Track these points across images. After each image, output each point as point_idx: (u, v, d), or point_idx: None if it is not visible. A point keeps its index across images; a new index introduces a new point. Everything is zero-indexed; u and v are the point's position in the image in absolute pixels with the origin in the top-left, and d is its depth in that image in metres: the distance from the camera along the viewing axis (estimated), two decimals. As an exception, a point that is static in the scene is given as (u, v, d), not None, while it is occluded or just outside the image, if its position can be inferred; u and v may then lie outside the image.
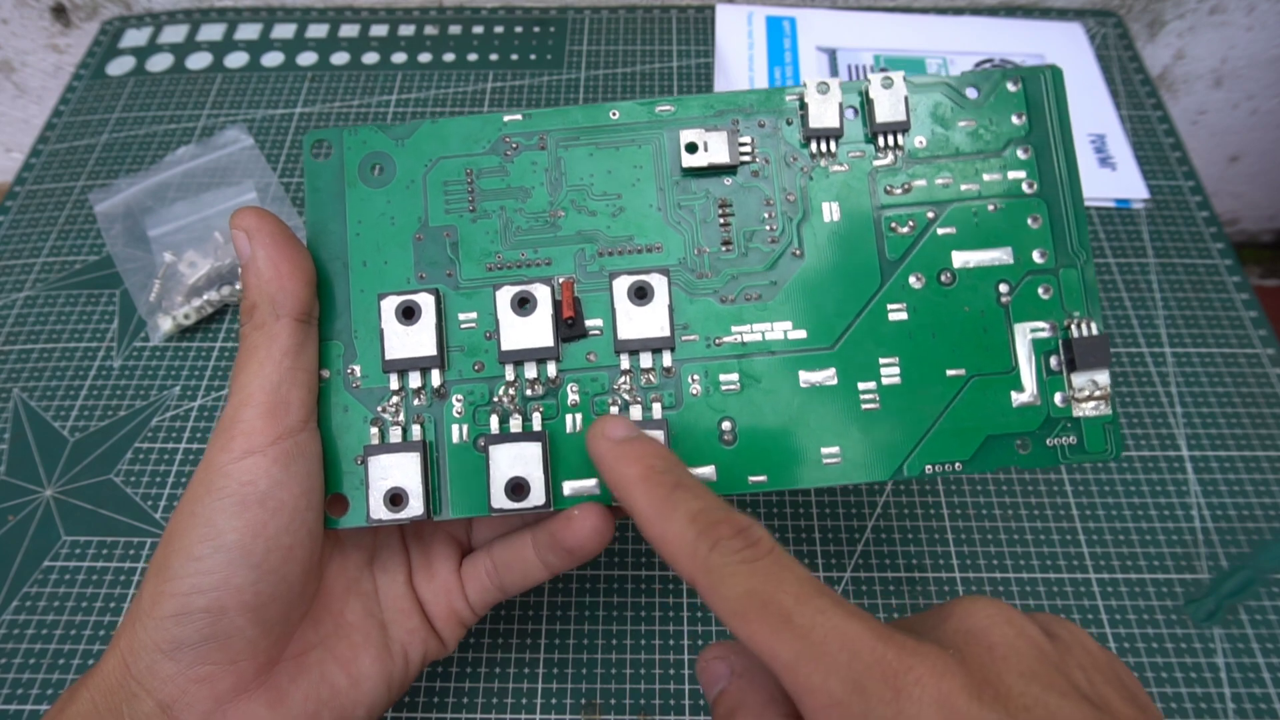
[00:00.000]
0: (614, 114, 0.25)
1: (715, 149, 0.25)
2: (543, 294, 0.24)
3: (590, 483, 0.24)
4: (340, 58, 0.52)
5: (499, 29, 0.54)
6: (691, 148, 0.25)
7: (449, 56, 0.52)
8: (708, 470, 0.24)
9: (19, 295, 0.42)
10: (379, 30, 0.54)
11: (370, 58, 0.52)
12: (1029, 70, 0.25)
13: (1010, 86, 0.25)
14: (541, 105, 0.49)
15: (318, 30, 0.54)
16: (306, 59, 0.52)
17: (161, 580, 0.21)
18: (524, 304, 0.24)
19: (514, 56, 0.52)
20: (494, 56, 0.52)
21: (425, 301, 0.24)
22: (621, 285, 0.24)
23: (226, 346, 0.40)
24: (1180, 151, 0.47)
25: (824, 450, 0.24)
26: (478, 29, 0.54)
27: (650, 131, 0.25)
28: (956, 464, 0.24)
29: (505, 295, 0.24)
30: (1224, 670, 0.31)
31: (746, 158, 0.25)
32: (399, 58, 0.52)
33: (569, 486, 0.24)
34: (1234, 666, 0.31)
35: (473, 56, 0.52)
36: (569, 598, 0.32)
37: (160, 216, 0.43)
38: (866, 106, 0.25)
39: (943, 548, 0.34)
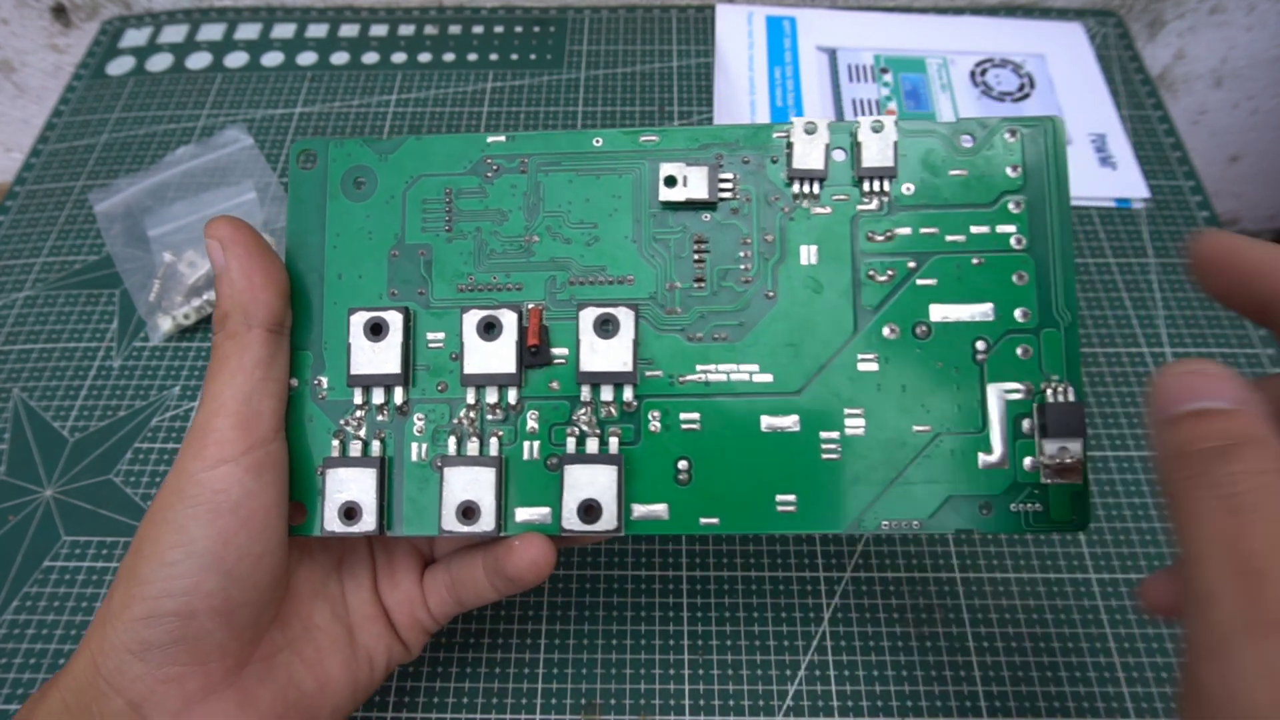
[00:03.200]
0: (597, 141, 0.25)
1: (694, 184, 0.24)
2: (509, 320, 0.24)
3: (542, 511, 0.24)
4: (340, 58, 0.52)
5: (499, 29, 0.54)
6: (670, 181, 0.24)
7: (449, 56, 0.52)
8: (660, 508, 0.24)
9: (19, 295, 0.42)
10: (379, 30, 0.54)
11: (370, 58, 0.52)
12: (1029, 120, 0.24)
13: (1008, 137, 0.24)
14: (541, 105, 0.49)
15: (318, 30, 0.54)
16: (306, 59, 0.52)
17: (132, 584, 0.21)
18: (490, 329, 0.24)
19: (514, 56, 0.52)
20: (494, 56, 0.52)
21: (393, 319, 0.24)
22: (588, 316, 0.24)
23: (226, 346, 0.39)
24: (1180, 151, 0.47)
25: (779, 497, 0.24)
26: (478, 29, 0.54)
27: (632, 161, 0.25)
28: (915, 522, 0.24)
29: (472, 319, 0.24)
30: (1224, 670, 0.31)
31: (727, 194, 0.25)
32: (399, 58, 0.52)
33: (521, 513, 0.24)
34: (1234, 666, 0.31)
35: (473, 56, 0.52)
36: (569, 598, 0.32)
37: (160, 216, 0.43)
38: (854, 149, 0.24)
39: (943, 548, 0.34)
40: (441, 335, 0.25)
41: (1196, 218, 0.44)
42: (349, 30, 0.54)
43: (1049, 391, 0.23)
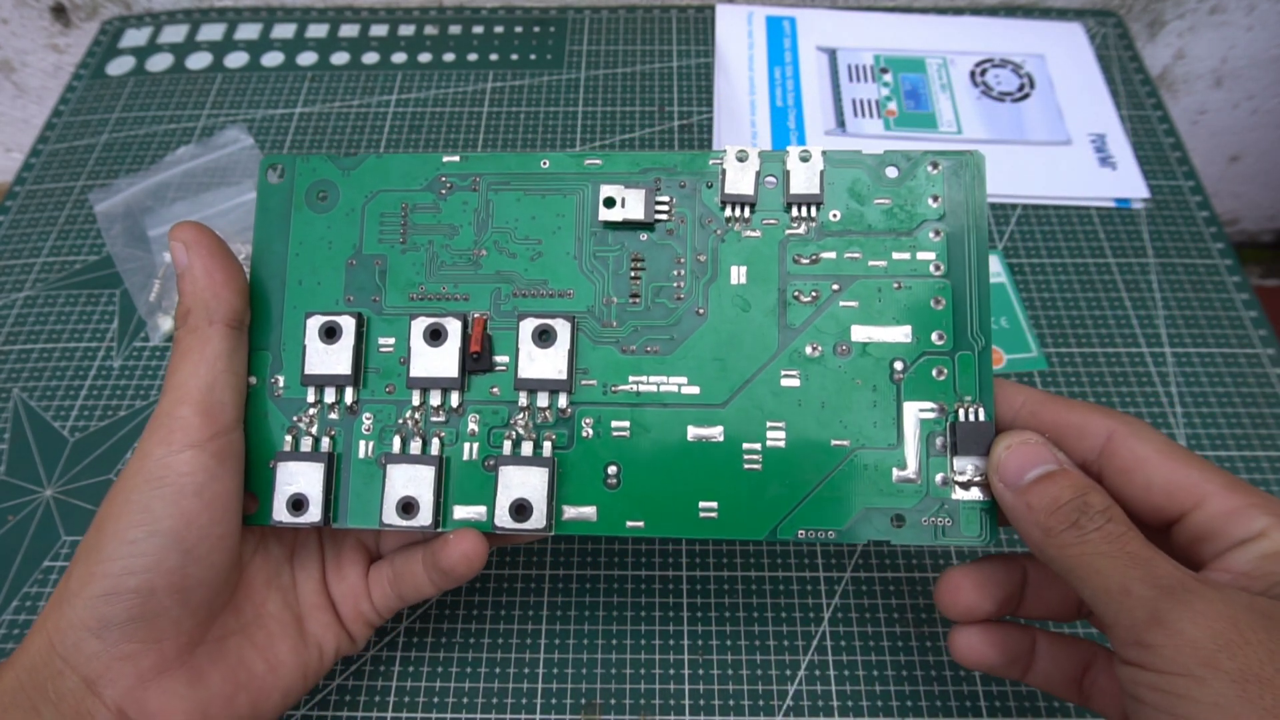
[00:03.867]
0: (545, 163, 0.26)
1: (632, 205, 0.26)
2: (454, 327, 0.25)
3: (478, 509, 0.25)
4: (340, 58, 0.52)
5: (499, 29, 0.54)
6: (609, 202, 0.26)
7: (449, 56, 0.52)
8: (589, 510, 0.25)
9: (19, 295, 0.42)
10: (379, 30, 0.54)
11: (370, 58, 0.52)
12: (950, 154, 0.25)
13: (930, 169, 0.26)
14: (541, 105, 0.49)
15: (318, 30, 0.54)
16: (306, 59, 0.52)
17: (93, 562, 0.22)
18: (435, 335, 0.25)
19: (514, 56, 0.52)
20: (494, 56, 0.52)
21: (347, 324, 0.26)
22: (527, 326, 0.25)
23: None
24: (1180, 151, 0.47)
25: (703, 504, 0.25)
26: (478, 29, 0.54)
27: (577, 182, 0.26)
28: (830, 532, 0.25)
29: (419, 325, 0.25)
30: (1224, 670, 0.31)
31: (664, 216, 0.26)
32: (399, 58, 0.52)
33: (460, 511, 0.25)
34: (1234, 666, 0.31)
35: (473, 56, 0.52)
36: (569, 598, 0.32)
37: (160, 216, 0.43)
38: (784, 177, 0.26)
39: (943, 547, 0.34)
40: (392, 340, 0.26)
41: (1196, 218, 0.44)
42: (349, 30, 0.54)
43: (961, 411, 0.25)
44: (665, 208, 0.26)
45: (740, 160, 0.26)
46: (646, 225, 0.26)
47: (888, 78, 0.50)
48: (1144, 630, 0.19)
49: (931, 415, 0.25)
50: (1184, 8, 0.60)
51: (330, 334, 0.25)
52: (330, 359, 0.25)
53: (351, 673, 0.31)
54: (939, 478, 0.24)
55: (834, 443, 0.25)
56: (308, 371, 0.25)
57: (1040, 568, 0.25)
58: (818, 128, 0.47)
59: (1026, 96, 0.49)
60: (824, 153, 0.26)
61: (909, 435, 0.25)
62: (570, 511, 0.25)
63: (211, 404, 0.23)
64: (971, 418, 0.24)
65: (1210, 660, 0.18)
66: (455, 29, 0.54)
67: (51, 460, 0.36)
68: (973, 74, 0.50)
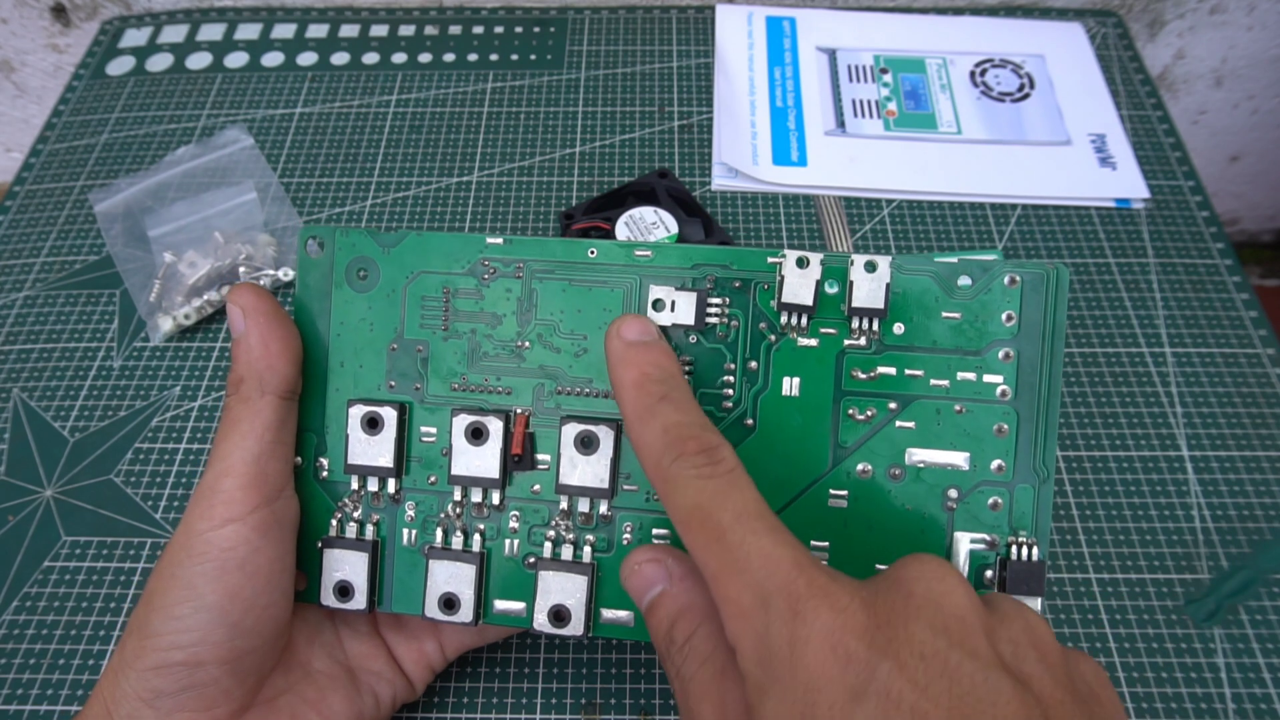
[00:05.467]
0: (592, 252, 0.25)
1: (682, 310, 0.25)
2: (495, 427, 0.25)
3: (519, 605, 0.25)
4: (340, 58, 0.52)
5: (499, 29, 0.54)
6: (658, 305, 0.25)
7: (449, 56, 0.52)
8: (626, 615, 0.25)
9: (19, 295, 0.42)
10: (379, 30, 0.54)
11: (370, 58, 0.52)
12: (1032, 268, 0.23)
13: (1007, 282, 0.24)
14: (541, 105, 0.49)
15: (318, 30, 0.54)
16: (306, 59, 0.52)
17: (143, 637, 0.23)
18: (477, 435, 0.25)
19: (514, 56, 0.52)
20: (494, 56, 0.52)
21: (389, 415, 0.25)
22: (570, 432, 0.25)
23: (226, 347, 0.40)
24: (1180, 151, 0.47)
25: None
26: (478, 29, 0.54)
27: (624, 275, 0.25)
28: None
29: (461, 423, 0.25)
30: (1224, 670, 0.31)
31: (715, 319, 0.25)
32: (399, 58, 0.52)
33: (499, 605, 0.25)
34: (1234, 667, 0.31)
35: (473, 56, 0.52)
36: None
37: (160, 216, 0.43)
38: (847, 287, 0.24)
39: (943, 548, 0.34)
40: (434, 430, 0.26)
41: (1196, 218, 0.44)
42: (349, 30, 0.54)
43: (1014, 548, 0.24)
44: (717, 309, 0.25)
45: (801, 266, 0.24)
46: (697, 328, 0.25)
47: (887, 78, 0.50)
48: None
49: (983, 548, 0.24)
50: (1184, 8, 0.60)
51: (373, 425, 0.25)
52: (373, 450, 0.25)
53: (351, 673, 0.31)
54: None
55: (878, 567, 0.23)
56: (351, 462, 0.25)
57: None
58: (818, 128, 0.47)
59: (1026, 97, 0.49)
60: (892, 261, 0.24)
61: (958, 565, 0.24)
62: (608, 615, 0.25)
63: (256, 476, 0.23)
64: (1024, 556, 0.23)
65: None
66: (455, 29, 0.54)
67: (51, 460, 0.36)
68: (972, 74, 0.50)
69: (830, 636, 0.17)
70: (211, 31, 0.54)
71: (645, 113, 0.49)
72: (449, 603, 0.25)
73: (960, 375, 0.24)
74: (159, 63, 0.52)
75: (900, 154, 0.46)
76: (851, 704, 0.17)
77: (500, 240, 0.25)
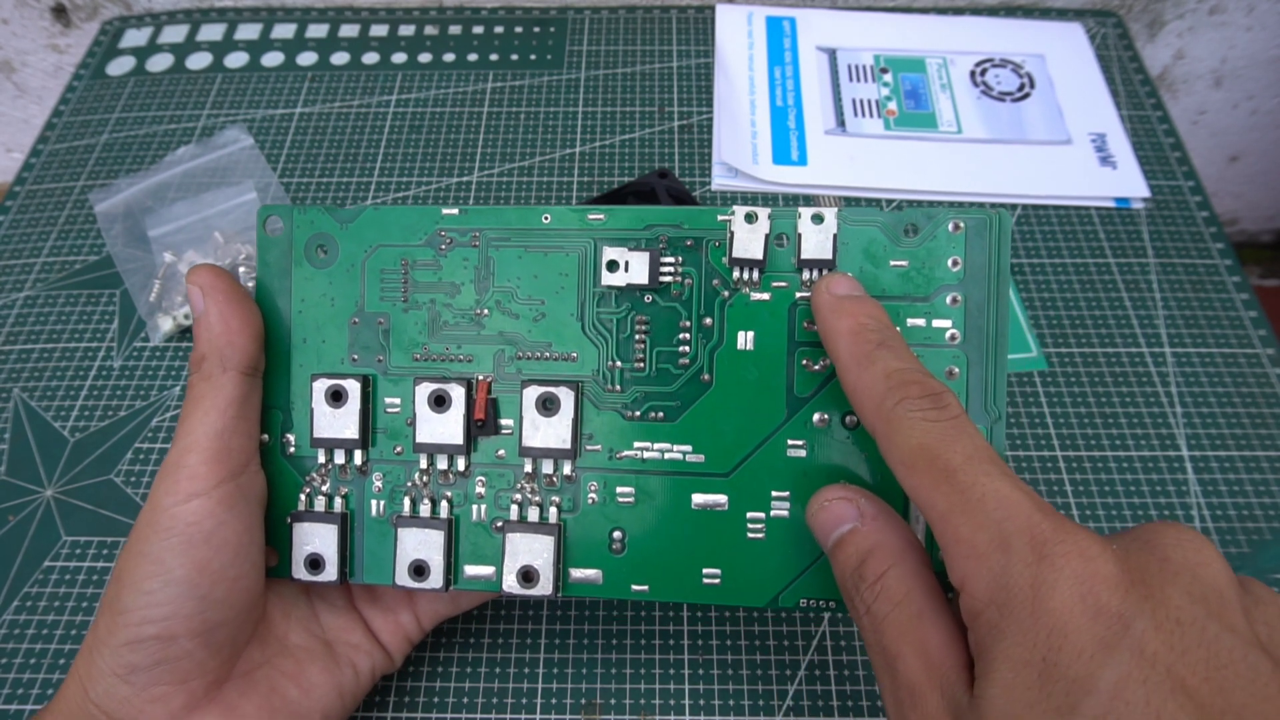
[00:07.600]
0: (546, 218, 0.25)
1: (636, 269, 0.25)
2: (458, 394, 0.25)
3: (488, 570, 0.26)
4: (340, 58, 0.52)
5: (499, 29, 0.54)
6: (612, 266, 0.25)
7: (449, 56, 0.52)
8: (594, 573, 0.25)
9: (19, 295, 0.42)
10: (379, 30, 0.54)
11: (370, 58, 0.52)
12: (974, 213, 0.24)
13: (951, 229, 0.24)
14: (541, 105, 0.49)
15: (318, 30, 0.54)
16: (306, 59, 0.52)
17: (114, 614, 0.23)
18: (440, 402, 0.25)
19: (514, 56, 0.52)
20: (494, 56, 0.52)
21: (352, 387, 0.25)
22: (531, 395, 0.25)
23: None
24: (1180, 151, 0.47)
25: (706, 570, 0.25)
26: (478, 29, 0.54)
27: (579, 239, 0.25)
28: (831, 602, 0.25)
29: (424, 391, 0.25)
30: (1224, 670, 0.31)
31: (669, 278, 0.25)
32: (399, 58, 0.52)
33: (469, 570, 0.26)
34: (1234, 666, 0.31)
35: (473, 56, 0.52)
36: (569, 597, 0.32)
37: (160, 216, 0.43)
38: (796, 239, 0.25)
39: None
40: (398, 401, 0.26)
41: (1196, 218, 0.44)
42: (349, 30, 0.54)
43: None
44: (671, 268, 0.25)
45: (749, 221, 0.24)
46: (651, 288, 0.25)
47: (888, 78, 0.50)
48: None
49: None
50: (1184, 8, 0.60)
51: (336, 398, 0.25)
52: (338, 422, 0.25)
53: (351, 673, 0.31)
54: None
55: None
56: (316, 435, 0.26)
57: None
58: (818, 127, 0.47)
59: (1026, 96, 0.49)
60: (838, 212, 0.24)
61: (915, 508, 0.24)
62: (576, 574, 0.25)
63: (220, 450, 0.23)
64: None
65: None
66: (455, 29, 0.54)
67: (51, 460, 0.36)
68: (973, 74, 0.50)
69: (1081, 584, 0.17)
70: (211, 31, 0.54)
71: (645, 113, 0.49)
72: (419, 570, 0.25)
73: (910, 321, 0.24)
74: (159, 63, 0.52)
75: (900, 153, 0.46)
76: (1102, 653, 0.16)
77: (456, 210, 0.26)
